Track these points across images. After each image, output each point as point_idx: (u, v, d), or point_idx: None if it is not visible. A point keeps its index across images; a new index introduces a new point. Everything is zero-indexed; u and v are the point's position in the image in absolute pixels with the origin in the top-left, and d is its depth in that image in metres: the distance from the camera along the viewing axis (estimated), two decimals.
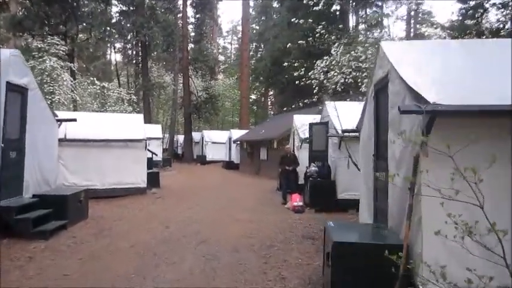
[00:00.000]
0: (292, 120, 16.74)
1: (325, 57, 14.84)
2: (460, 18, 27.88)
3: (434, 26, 37.38)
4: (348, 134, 8.29)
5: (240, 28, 66.36)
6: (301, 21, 25.30)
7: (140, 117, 14.91)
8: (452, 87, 4.21)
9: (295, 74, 14.97)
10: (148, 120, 31.41)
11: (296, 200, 10.88)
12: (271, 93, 53.46)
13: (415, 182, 3.83)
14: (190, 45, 36.29)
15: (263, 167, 23.30)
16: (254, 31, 44.69)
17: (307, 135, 13.87)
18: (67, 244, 6.77)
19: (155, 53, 35.34)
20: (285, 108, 33.97)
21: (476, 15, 26.27)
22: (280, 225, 8.59)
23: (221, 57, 59.38)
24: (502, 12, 18.40)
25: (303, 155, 12.99)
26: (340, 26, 27.17)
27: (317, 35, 20.11)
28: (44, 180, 8.81)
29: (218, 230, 8.04)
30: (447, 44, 6.82)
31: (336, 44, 15.27)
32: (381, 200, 5.48)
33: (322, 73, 14.07)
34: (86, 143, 12.74)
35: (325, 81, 14.08)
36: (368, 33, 30.97)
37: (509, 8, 19.13)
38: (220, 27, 57.99)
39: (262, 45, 46.77)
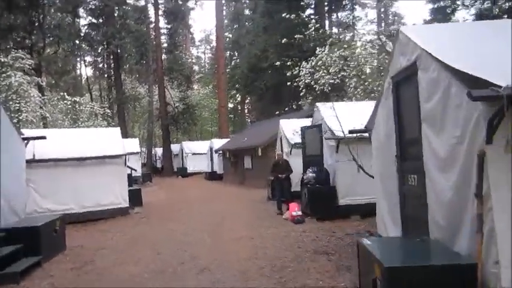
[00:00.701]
0: (278, 125, 15.98)
1: (310, 58, 14.16)
2: (432, 17, 28.04)
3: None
4: (354, 134, 7.54)
5: (212, 37, 65.79)
6: (279, 24, 24.79)
7: (117, 130, 13.80)
8: (502, 69, 3.51)
9: (288, 74, 14.14)
10: (124, 134, 29.99)
11: (294, 210, 10.06)
12: (247, 101, 52.86)
13: (482, 186, 3.08)
14: (164, 56, 35.16)
15: (248, 176, 22.41)
16: (227, 39, 43.98)
17: (297, 140, 13.15)
18: (43, 287, 5.69)
19: (128, 65, 34.04)
20: (264, 115, 33.49)
21: (447, 13, 26.46)
22: (286, 240, 7.74)
23: (195, 67, 58.35)
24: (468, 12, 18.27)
25: (294, 161, 12.20)
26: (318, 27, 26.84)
27: (296, 39, 19.59)
28: (11, 210, 7.64)
29: (218, 253, 7.11)
30: (472, 25, 6.16)
31: (318, 49, 14.68)
32: (414, 207, 4.73)
33: (308, 74, 13.40)
34: (58, 162, 11.56)
35: (312, 82, 13.41)
36: (341, 36, 30.88)
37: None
38: (193, 36, 57.00)
39: (236, 54, 46.16)
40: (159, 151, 38.72)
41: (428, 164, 4.10)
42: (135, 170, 22.21)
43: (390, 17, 48.96)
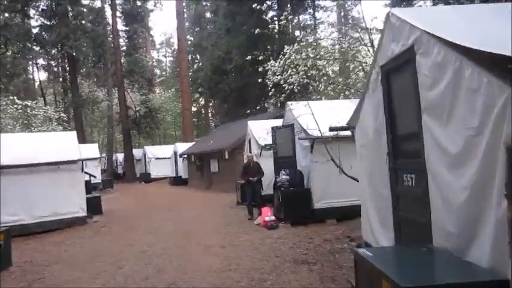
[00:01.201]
0: (246, 127, 15.36)
1: (279, 57, 13.59)
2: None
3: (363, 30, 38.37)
4: (331, 133, 7.02)
5: (173, 40, 64.29)
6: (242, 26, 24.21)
7: (73, 134, 12.64)
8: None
9: (260, 70, 13.54)
10: (82, 139, 28.30)
11: (267, 215, 9.44)
12: (211, 104, 51.87)
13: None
14: (123, 58, 33.58)
15: (215, 180, 21.60)
16: (189, 42, 42.92)
17: (267, 141, 12.57)
18: None
19: (84, 69, 32.15)
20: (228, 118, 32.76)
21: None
22: (261, 249, 7.08)
23: (157, 71, 56.66)
24: None
25: (264, 164, 11.56)
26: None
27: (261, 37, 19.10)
28: None
29: (187, 265, 6.35)
30: (459, 8, 5.75)
31: (286, 48, 14.17)
32: (410, 210, 4.22)
33: (278, 73, 12.84)
34: (6, 170, 10.34)
35: (282, 81, 12.86)
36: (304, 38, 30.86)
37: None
38: (153, 39, 55.34)
39: (198, 57, 45.14)
40: (120, 156, 36.97)
41: (432, 161, 3.58)
42: (95, 177, 20.86)
43: (350, 21, 49.78)
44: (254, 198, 10.69)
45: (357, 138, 5.67)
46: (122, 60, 32.02)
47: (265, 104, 31.84)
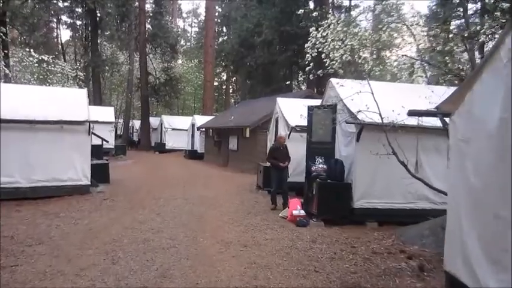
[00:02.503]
0: (272, 104, 13.69)
1: (323, 26, 11.76)
2: None
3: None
4: (391, 120, 5.34)
5: (200, 10, 62.18)
6: None
7: (83, 92, 11.19)
8: None
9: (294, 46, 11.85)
10: (99, 102, 27.13)
11: (296, 208, 7.89)
12: (233, 79, 49.97)
13: None
14: (148, 24, 31.83)
15: (232, 159, 20.14)
16: (217, 13, 40.84)
17: (298, 122, 10.93)
18: None
19: (108, 30, 30.50)
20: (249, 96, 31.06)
21: None
22: (294, 255, 5.56)
23: (181, 40, 54.85)
24: None
25: (292, 148, 9.93)
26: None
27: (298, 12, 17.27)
28: None
29: (199, 269, 4.87)
30: None
31: (330, 18, 12.28)
32: None
33: (318, 46, 11.06)
34: (4, 124, 9.04)
35: (323, 55, 11.11)
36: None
37: None
38: (180, 7, 53.39)
39: (225, 29, 43.09)
40: (137, 124, 35.81)
41: None
42: (107, 142, 19.66)
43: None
44: (280, 186, 9.15)
45: (456, 129, 3.98)
46: (146, 24, 30.30)
47: (293, 84, 30.01)
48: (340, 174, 7.67)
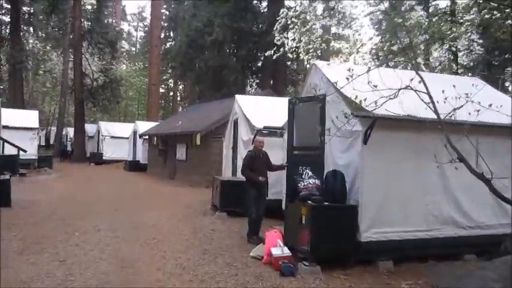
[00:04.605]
0: (232, 105, 11.02)
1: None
2: None
3: None
4: None
5: (146, 15, 58.15)
6: None
7: None
8: None
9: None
10: (21, 104, 22.79)
11: (275, 244, 5.25)
12: (181, 87, 46.64)
13: None
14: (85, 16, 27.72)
15: (180, 170, 17.12)
16: (164, 16, 37.58)
17: (269, 123, 8.40)
18: None
19: (33, 24, 25.81)
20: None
21: None
22: None
23: (125, 44, 50.58)
24: None
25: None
26: None
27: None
28: None
29: None
30: None
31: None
32: None
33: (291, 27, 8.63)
34: None
35: (294, 41, 8.69)
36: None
37: None
38: (124, 8, 49.20)
39: (172, 34, 39.82)
40: (72, 131, 31.38)
41: None
42: (25, 151, 15.89)
43: None
44: (259, 208, 6.50)
45: None
46: (81, 18, 26.19)
47: (246, 90, 27.57)
48: (341, 192, 5.14)
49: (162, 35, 35.94)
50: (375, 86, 4.65)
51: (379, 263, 5.17)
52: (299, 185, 5.29)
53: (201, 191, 12.87)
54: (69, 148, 30.02)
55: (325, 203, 5.06)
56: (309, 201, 5.05)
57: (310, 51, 8.44)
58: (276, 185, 7.56)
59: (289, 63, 30.83)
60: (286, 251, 5.13)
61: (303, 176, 5.42)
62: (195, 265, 5.13)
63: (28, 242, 6.07)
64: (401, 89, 4.12)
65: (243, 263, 5.31)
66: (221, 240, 6.48)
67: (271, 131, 8.33)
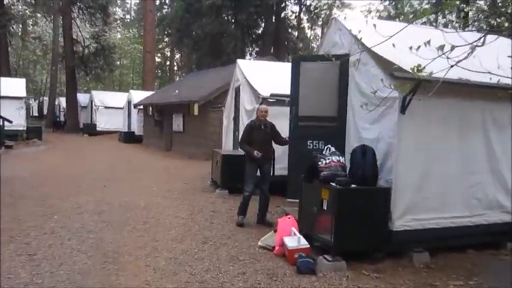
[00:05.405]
0: (233, 71, 9.87)
1: None
2: None
3: None
4: None
5: None
6: None
7: None
8: None
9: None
10: (6, 72, 21.41)
11: (290, 232, 4.34)
12: (177, 56, 44.87)
13: None
14: None
15: (177, 142, 16.13)
16: None
17: (276, 90, 7.33)
18: None
19: None
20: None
21: None
22: None
23: (119, 12, 48.15)
24: None
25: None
26: None
27: None
28: None
29: None
30: None
31: None
32: None
33: None
34: None
35: None
36: None
37: None
38: None
39: (167, 0, 37.70)
40: (64, 101, 30.12)
41: None
42: (10, 122, 14.83)
43: None
44: (260, 186, 5.56)
45: None
46: None
47: (245, 57, 26.17)
48: (372, 173, 4.15)
49: (158, 2, 34.04)
50: (413, 48, 3.59)
51: (414, 255, 4.27)
52: (319, 163, 4.28)
53: (200, 164, 11.94)
54: (62, 119, 28.89)
55: (353, 186, 4.08)
56: (333, 183, 4.07)
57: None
58: (283, 160, 6.61)
59: (290, 30, 29.38)
60: (303, 242, 4.21)
61: (324, 152, 4.41)
62: (192, 259, 4.21)
63: (8, 221, 5.14)
64: (476, 46, 3.03)
65: (250, 255, 4.41)
66: (223, 225, 5.56)
67: (279, 99, 7.27)
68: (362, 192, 4.10)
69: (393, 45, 3.23)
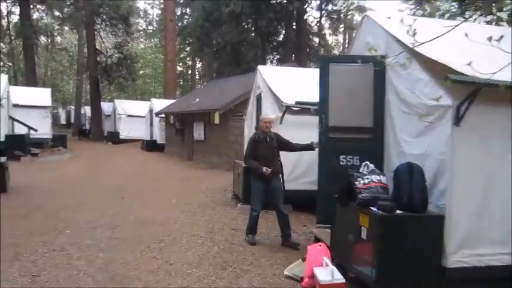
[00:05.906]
0: (253, 79, 9.29)
1: None
2: None
3: None
4: None
5: None
6: None
7: None
8: None
9: None
10: (33, 82, 21.59)
11: (321, 262, 3.68)
12: (198, 65, 44.86)
13: None
14: None
15: (198, 151, 15.68)
16: None
17: (301, 97, 6.71)
18: None
19: None
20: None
21: None
22: None
23: (142, 24, 48.59)
24: None
25: (290, 136, 5.64)
26: None
27: None
28: None
29: None
30: None
31: None
32: None
33: None
34: None
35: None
36: None
37: None
38: None
39: (188, 10, 37.72)
40: (89, 110, 30.36)
41: None
42: (35, 130, 14.74)
43: None
44: (273, 202, 4.97)
45: None
46: None
47: (270, 64, 25.69)
48: (421, 197, 3.46)
49: (178, 13, 34.03)
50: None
51: None
52: (356, 182, 3.63)
53: (221, 174, 11.40)
54: (87, 127, 29.08)
55: (398, 212, 3.40)
56: (374, 209, 3.41)
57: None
58: (311, 173, 5.96)
59: (311, 36, 28.69)
60: (338, 277, 3.55)
61: (362, 170, 3.75)
62: (211, 283, 3.63)
63: (3, 244, 4.69)
64: None
65: (275, 285, 3.79)
66: (244, 247, 4.95)
67: (304, 108, 6.64)
68: (410, 220, 3.41)
69: (466, 35, 2.55)
